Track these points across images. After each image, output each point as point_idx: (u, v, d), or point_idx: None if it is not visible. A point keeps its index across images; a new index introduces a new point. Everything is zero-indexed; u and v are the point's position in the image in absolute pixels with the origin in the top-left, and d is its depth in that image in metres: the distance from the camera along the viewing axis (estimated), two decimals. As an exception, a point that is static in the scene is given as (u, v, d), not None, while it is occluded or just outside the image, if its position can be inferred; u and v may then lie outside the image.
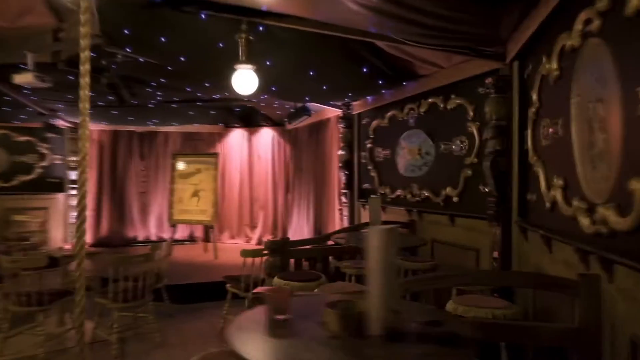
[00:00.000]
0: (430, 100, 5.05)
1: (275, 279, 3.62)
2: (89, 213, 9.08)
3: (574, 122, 2.52)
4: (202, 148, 9.72)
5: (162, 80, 5.58)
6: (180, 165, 8.31)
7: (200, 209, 8.06)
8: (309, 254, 4.50)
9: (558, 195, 2.75)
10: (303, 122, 6.61)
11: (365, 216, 6.62)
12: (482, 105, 4.12)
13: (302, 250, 4.62)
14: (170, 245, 5.04)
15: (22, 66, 5.44)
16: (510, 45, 3.69)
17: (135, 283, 4.31)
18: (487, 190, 4.03)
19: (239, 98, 7.68)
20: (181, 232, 9.60)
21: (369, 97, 6.19)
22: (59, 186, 9.03)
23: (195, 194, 8.11)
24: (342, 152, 6.76)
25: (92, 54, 4.14)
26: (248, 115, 9.69)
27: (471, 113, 4.48)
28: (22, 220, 8.43)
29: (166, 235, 9.56)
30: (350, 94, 6.09)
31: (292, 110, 6.47)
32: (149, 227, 9.52)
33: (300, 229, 8.46)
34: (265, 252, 4.44)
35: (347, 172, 6.71)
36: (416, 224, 5.34)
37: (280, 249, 4.42)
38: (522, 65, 3.68)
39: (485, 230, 4.20)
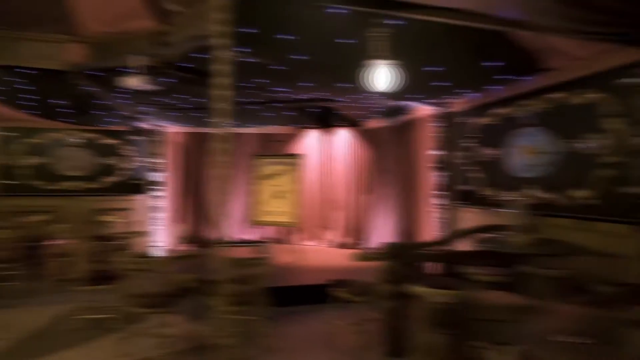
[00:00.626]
0: (554, 95, 4.70)
1: (421, 289, 3.38)
2: (171, 214, 9.25)
3: None
4: (277, 149, 9.68)
5: (264, 81, 5.51)
6: (263, 166, 8.26)
7: (281, 211, 7.98)
8: (439, 259, 4.25)
9: None
10: (396, 121, 6.38)
11: (463, 218, 6.31)
12: (626, 98, 3.74)
13: (431, 255, 4.38)
14: (270, 247, 4.94)
15: (125, 70, 5.50)
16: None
17: (247, 285, 4.22)
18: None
19: (320, 98, 7.57)
20: (256, 233, 9.60)
21: (472, 95, 5.88)
22: (140, 188, 9.21)
23: (277, 195, 8.04)
24: (436, 152, 6.47)
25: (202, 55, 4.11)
26: (323, 117, 9.56)
27: (611, 108, 4.11)
28: (108, 221, 8.64)
29: (244, 236, 9.59)
30: (456, 91, 5.79)
31: (385, 109, 6.24)
32: (227, 227, 9.54)
33: (381, 231, 8.23)
34: (381, 256, 4.22)
35: (441, 173, 6.42)
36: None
37: (401, 253, 4.20)
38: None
39: (628, 236, 3.82)
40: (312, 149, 9.63)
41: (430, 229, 6.71)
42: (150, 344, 4.23)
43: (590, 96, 4.31)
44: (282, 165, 8.26)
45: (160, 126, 9.21)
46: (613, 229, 4.06)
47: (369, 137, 9.16)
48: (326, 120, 9.58)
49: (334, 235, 9.34)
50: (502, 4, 3.34)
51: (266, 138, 9.83)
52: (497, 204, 5.53)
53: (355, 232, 9.18)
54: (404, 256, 4.07)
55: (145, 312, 4.17)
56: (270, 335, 4.58)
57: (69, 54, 6.07)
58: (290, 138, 9.86)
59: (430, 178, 6.74)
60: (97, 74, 6.19)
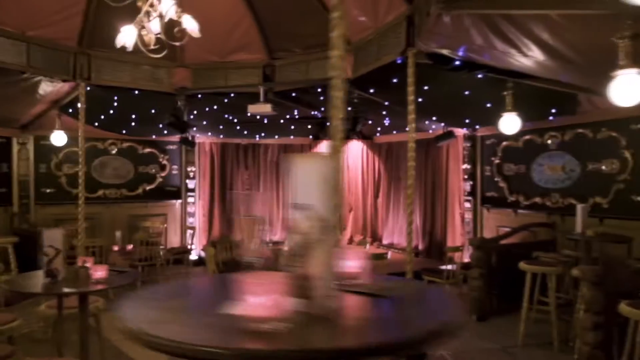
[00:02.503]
0: (578, 130, 6.65)
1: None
2: (202, 218, 9.98)
3: None
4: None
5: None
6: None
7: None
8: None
9: None
10: (446, 143, 8.04)
11: (487, 217, 8.15)
12: (636, 137, 5.74)
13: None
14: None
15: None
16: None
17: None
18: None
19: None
20: (279, 235, 10.69)
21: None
22: (176, 194, 9.82)
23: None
24: (467, 166, 8.25)
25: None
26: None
27: (624, 142, 6.10)
28: (149, 226, 9.17)
29: (268, 237, 10.61)
30: (480, 121, 7.59)
31: (439, 134, 7.90)
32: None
33: (400, 231, 9.86)
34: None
35: (471, 183, 8.21)
36: (557, 225, 6.91)
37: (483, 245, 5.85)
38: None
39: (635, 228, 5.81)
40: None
41: (460, 228, 8.47)
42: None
43: (609, 134, 6.28)
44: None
45: (193, 136, 9.87)
46: (625, 223, 6.04)
47: (378, 149, 10.73)
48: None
49: (346, 234, 10.77)
50: (563, 73, 5.05)
51: (284, 148, 10.93)
52: (520, 207, 7.43)
53: (367, 231, 10.70)
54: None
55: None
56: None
57: (175, 79, 6.84)
58: (305, 148, 11.07)
59: (459, 186, 8.49)
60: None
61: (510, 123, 5.24)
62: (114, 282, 3.22)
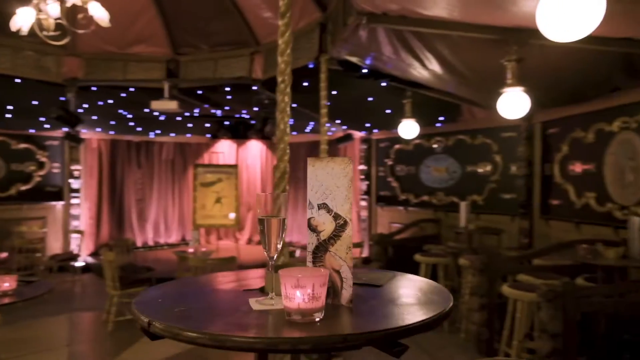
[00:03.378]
0: (459, 136, 7.51)
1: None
2: (89, 221, 9.21)
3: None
4: (191, 157, 10.53)
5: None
6: (203, 175, 9.18)
7: (223, 214, 9.10)
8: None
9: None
10: (345, 145, 8.45)
11: (381, 214, 8.79)
12: (505, 144, 6.73)
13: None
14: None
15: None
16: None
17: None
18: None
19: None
20: (175, 237, 10.29)
21: (393, 130, 8.37)
22: (57, 195, 8.88)
23: (218, 200, 9.11)
24: (363, 167, 8.79)
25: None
26: (237, 128, 10.85)
27: (495, 148, 7.06)
28: (25, 231, 8.20)
29: (163, 240, 10.14)
30: (379, 126, 8.18)
31: (340, 136, 8.29)
32: (147, 232, 9.95)
33: (299, 230, 10.14)
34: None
35: (367, 182, 8.77)
36: (442, 220, 7.73)
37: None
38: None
39: (506, 222, 6.78)
40: (225, 157, 10.78)
41: (357, 224, 8.99)
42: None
43: (483, 140, 7.21)
44: (223, 174, 9.34)
45: (79, 132, 9.08)
46: (495, 218, 7.00)
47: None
48: (238, 131, 10.89)
49: (245, 234, 10.76)
50: (456, 86, 5.76)
51: (181, 147, 10.53)
52: (410, 205, 8.16)
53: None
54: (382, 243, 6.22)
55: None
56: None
57: (64, 68, 6.28)
58: (202, 147, 10.79)
59: (355, 185, 9.01)
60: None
61: (409, 128, 5.78)
62: (25, 294, 2.87)
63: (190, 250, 6.33)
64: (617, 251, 3.81)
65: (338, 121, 7.87)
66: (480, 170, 7.30)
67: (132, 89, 6.45)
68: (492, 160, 7.14)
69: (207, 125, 10.23)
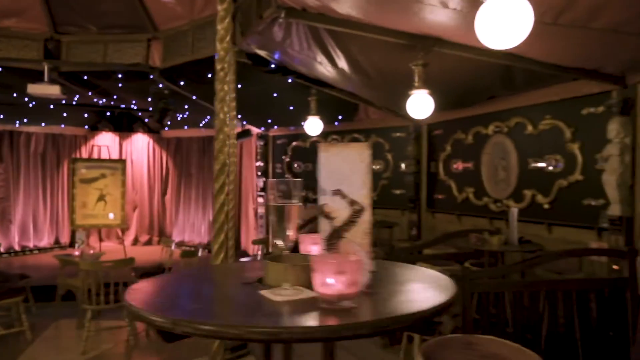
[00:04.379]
0: (354, 135, 7.86)
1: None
2: None
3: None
4: (66, 150, 9.45)
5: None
6: (81, 170, 8.29)
7: (107, 213, 8.32)
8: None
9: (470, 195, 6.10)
10: (244, 140, 8.26)
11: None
12: (395, 143, 7.25)
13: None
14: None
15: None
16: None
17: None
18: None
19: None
20: (47, 239, 9.14)
21: (291, 127, 8.45)
22: None
23: (102, 198, 8.30)
24: (260, 163, 8.73)
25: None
26: (120, 120, 10.00)
27: (387, 147, 7.53)
28: None
29: (32, 243, 8.93)
30: (280, 122, 8.20)
31: (238, 132, 8.06)
32: (12, 235, 8.66)
33: (191, 228, 9.70)
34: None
35: (264, 179, 8.73)
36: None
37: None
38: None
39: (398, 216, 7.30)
40: (106, 151, 9.86)
41: (254, 221, 8.90)
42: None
43: (374, 140, 7.65)
44: (107, 169, 8.52)
45: None
46: (388, 212, 7.49)
47: (167, 145, 10.28)
48: (121, 123, 10.04)
49: (131, 235, 9.98)
50: (353, 85, 6.06)
51: (53, 138, 9.37)
52: (308, 202, 8.34)
53: (154, 230, 10.14)
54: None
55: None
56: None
57: None
58: (79, 140, 9.73)
59: (252, 182, 8.91)
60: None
61: (314, 125, 5.88)
62: None
63: (76, 252, 5.68)
64: (500, 238, 4.34)
65: (239, 116, 7.70)
66: (374, 167, 7.73)
67: (0, 69, 5.57)
68: (384, 158, 7.61)
69: (85, 115, 9.27)
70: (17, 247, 8.66)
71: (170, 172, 10.23)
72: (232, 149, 5.03)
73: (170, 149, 10.25)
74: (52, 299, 5.76)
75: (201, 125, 9.02)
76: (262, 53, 4.85)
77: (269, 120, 7.93)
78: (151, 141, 10.26)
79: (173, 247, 6.17)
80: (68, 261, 5.57)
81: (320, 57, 4.50)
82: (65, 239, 9.32)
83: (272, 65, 5.10)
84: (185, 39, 5.29)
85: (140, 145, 10.18)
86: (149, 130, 10.21)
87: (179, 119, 8.97)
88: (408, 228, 7.19)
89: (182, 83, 5.82)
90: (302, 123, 7.87)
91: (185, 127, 9.79)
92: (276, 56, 4.94)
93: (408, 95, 3.90)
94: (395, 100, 5.22)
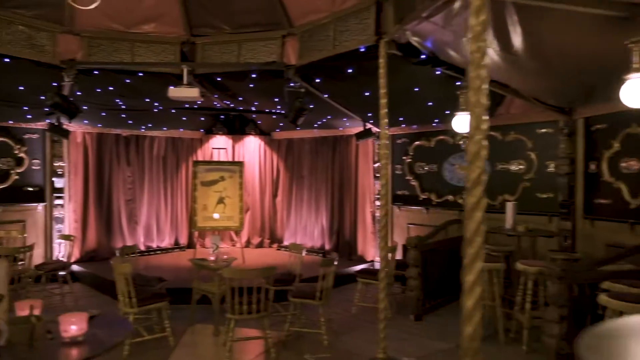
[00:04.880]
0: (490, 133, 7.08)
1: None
2: (74, 225, 8.25)
3: None
4: (184, 153, 9.68)
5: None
6: (203, 173, 8.37)
7: (227, 216, 8.33)
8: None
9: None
10: (365, 140, 7.89)
11: (398, 215, 8.27)
12: (540, 141, 6.38)
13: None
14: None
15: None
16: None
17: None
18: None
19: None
20: (168, 240, 9.40)
21: (414, 125, 7.87)
22: (38, 195, 7.85)
23: (221, 201, 8.33)
24: (378, 165, 8.24)
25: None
26: (233, 123, 10.07)
27: (530, 145, 6.68)
28: (2, 237, 7.18)
29: (155, 244, 9.24)
30: (413, 121, 7.68)
31: (360, 131, 7.73)
32: (138, 236, 9.02)
33: (303, 231, 9.48)
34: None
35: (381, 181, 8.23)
36: (468, 221, 7.28)
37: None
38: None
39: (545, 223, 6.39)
40: (219, 154, 9.95)
41: (371, 226, 8.45)
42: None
43: (516, 136, 6.82)
44: (225, 172, 8.56)
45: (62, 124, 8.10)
46: (529, 218, 6.62)
47: (277, 146, 10.17)
48: (234, 126, 10.10)
49: (243, 237, 9.98)
50: (504, 74, 5.31)
51: (173, 142, 9.63)
52: (431, 205, 7.71)
53: (265, 232, 10.05)
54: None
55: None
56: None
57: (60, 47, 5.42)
58: (196, 143, 9.93)
59: (369, 184, 8.47)
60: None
61: (462, 122, 5.25)
62: (106, 342, 1.92)
63: (211, 258, 5.57)
64: None
65: (369, 114, 7.26)
66: (513, 168, 6.91)
67: (140, 74, 5.63)
68: (526, 157, 6.76)
69: (202, 118, 9.41)
70: (142, 248, 8.98)
71: (281, 174, 10.10)
72: (382, 150, 4.58)
73: (281, 151, 10.12)
74: (184, 302, 5.73)
75: (315, 125, 8.72)
76: (415, 41, 4.33)
77: (400, 119, 7.37)
78: (262, 143, 10.22)
79: (304, 254, 5.86)
80: (203, 266, 5.48)
81: (490, 40, 3.88)
82: (183, 240, 9.53)
83: (423, 56, 4.56)
84: (324, 32, 4.94)
85: (252, 147, 10.17)
86: (260, 132, 10.17)
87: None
88: (560, 237, 6.28)
89: (317, 80, 5.49)
90: (436, 120, 7.29)
91: (297, 128, 9.57)
92: (428, 44, 4.40)
93: (609, 82, 3.17)
94: (570, 91, 4.46)
